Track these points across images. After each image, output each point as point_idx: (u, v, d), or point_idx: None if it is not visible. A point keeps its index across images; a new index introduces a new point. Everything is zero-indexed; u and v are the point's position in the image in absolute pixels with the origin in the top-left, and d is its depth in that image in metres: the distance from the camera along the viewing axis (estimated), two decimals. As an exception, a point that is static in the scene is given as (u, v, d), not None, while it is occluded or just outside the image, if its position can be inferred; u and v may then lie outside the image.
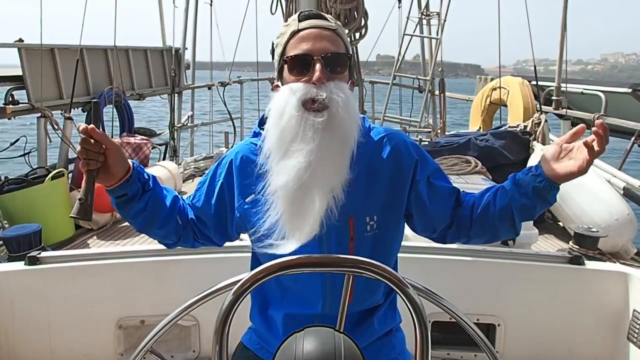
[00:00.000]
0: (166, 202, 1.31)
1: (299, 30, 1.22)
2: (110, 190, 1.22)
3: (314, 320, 1.24)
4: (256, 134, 1.34)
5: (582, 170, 1.18)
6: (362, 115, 1.33)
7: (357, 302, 1.30)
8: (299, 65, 1.20)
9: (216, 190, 1.33)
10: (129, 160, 1.22)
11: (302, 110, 1.16)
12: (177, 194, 1.37)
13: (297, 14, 1.27)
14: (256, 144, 1.30)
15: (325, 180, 1.15)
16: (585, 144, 1.16)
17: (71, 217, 1.12)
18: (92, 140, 1.14)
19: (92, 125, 1.15)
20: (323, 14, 1.26)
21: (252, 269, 1.40)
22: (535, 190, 1.23)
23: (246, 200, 1.28)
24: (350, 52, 1.27)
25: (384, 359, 1.40)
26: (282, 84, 1.25)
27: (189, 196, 1.41)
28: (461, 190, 1.38)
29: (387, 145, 1.29)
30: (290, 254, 1.14)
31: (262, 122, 1.32)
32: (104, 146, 1.16)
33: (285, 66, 1.23)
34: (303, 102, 1.16)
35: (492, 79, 7.96)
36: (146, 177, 1.27)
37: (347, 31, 2.99)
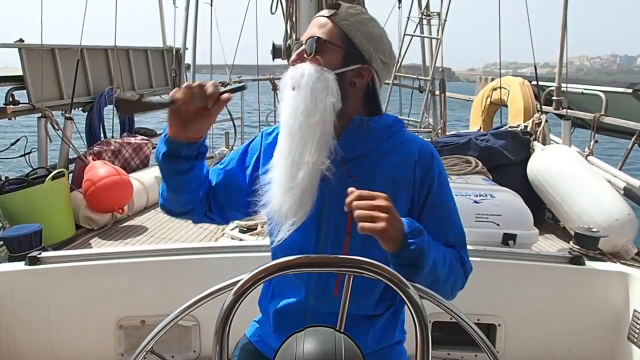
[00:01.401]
0: (202, 176, 1.31)
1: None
2: (170, 142, 1.19)
3: (299, 310, 1.28)
4: None
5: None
6: (394, 116, 1.32)
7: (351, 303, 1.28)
8: (295, 50, 1.27)
9: (252, 162, 1.34)
10: (205, 136, 1.23)
11: (283, 92, 1.22)
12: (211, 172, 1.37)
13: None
14: None
15: (306, 154, 1.16)
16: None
17: (116, 99, 1.10)
18: (207, 91, 1.13)
19: (212, 84, 1.14)
20: (341, 2, 1.27)
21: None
22: None
23: (254, 174, 1.31)
24: (338, 41, 1.22)
25: None
26: None
27: (217, 166, 1.39)
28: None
29: (406, 149, 1.27)
30: (290, 241, 1.21)
31: None
32: (206, 106, 1.15)
33: None
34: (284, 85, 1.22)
35: (492, 79, 7.97)
36: (204, 150, 1.26)
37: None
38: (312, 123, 1.16)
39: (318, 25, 1.25)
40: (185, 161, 1.21)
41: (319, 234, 1.25)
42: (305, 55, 1.23)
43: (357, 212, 1.04)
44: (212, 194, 1.34)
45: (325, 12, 1.27)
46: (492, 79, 8.13)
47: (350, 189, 1.08)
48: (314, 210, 1.22)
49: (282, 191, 1.17)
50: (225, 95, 1.14)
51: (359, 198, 1.05)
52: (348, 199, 1.06)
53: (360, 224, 1.03)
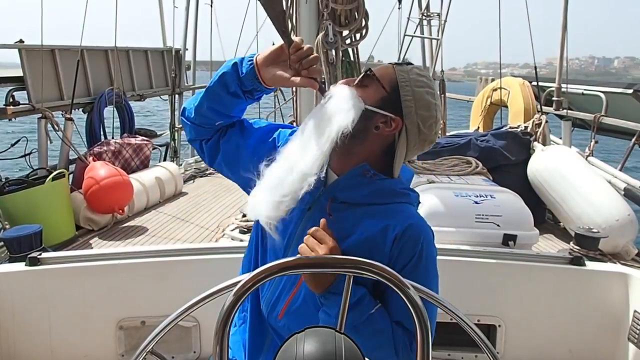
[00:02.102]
0: (234, 113, 1.33)
1: None
2: (249, 61, 1.23)
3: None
4: None
5: None
6: (407, 187, 1.29)
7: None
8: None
9: (269, 142, 1.35)
10: (267, 91, 1.29)
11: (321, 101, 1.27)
12: (239, 120, 1.39)
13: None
14: None
15: (303, 161, 1.17)
16: None
17: None
18: (312, 62, 1.19)
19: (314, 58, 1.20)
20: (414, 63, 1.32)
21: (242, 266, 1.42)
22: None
23: (261, 152, 1.30)
24: (387, 84, 1.22)
25: None
26: None
27: (252, 121, 1.43)
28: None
29: (394, 221, 1.19)
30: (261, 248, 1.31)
31: None
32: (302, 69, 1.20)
33: None
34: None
35: (492, 80, 7.97)
36: (255, 96, 1.31)
37: (347, 32, 3.00)
38: (320, 134, 1.17)
39: (381, 66, 1.27)
40: (237, 83, 1.25)
41: (285, 252, 1.26)
42: (352, 84, 1.25)
43: (300, 245, 1.15)
44: (223, 131, 1.36)
45: (394, 62, 1.29)
46: (492, 79, 8.12)
47: (322, 222, 1.15)
48: (289, 231, 1.25)
49: (266, 189, 1.19)
50: (311, 81, 1.20)
51: (313, 235, 1.14)
52: (309, 230, 1.15)
53: (296, 256, 1.13)
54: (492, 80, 8.17)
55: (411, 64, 1.27)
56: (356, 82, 1.25)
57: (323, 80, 2.72)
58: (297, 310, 1.24)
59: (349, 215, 1.22)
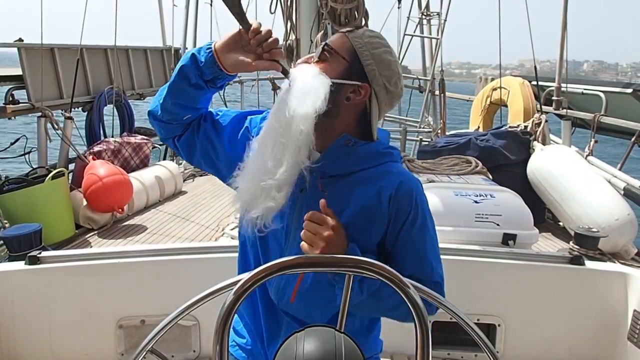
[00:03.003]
0: (199, 105, 1.32)
1: None
2: (207, 49, 1.22)
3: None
4: None
5: None
6: (388, 145, 1.30)
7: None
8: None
9: (241, 132, 1.34)
10: (229, 79, 1.27)
11: (281, 88, 1.26)
12: (208, 112, 1.37)
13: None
14: None
15: (287, 153, 1.16)
16: None
17: None
18: (273, 44, 1.17)
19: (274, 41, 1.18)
20: (363, 26, 1.31)
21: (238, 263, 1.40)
22: None
23: (235, 142, 1.31)
24: (345, 54, 1.23)
25: None
26: None
27: (218, 111, 1.41)
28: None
29: (385, 182, 1.23)
30: (261, 240, 1.27)
31: None
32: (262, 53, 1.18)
33: None
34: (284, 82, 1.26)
35: (492, 79, 7.97)
36: (217, 85, 1.29)
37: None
38: (297, 120, 1.15)
39: (334, 37, 1.27)
40: (198, 73, 1.23)
41: (287, 238, 1.26)
42: (312, 61, 1.24)
43: (302, 233, 1.14)
44: (195, 127, 1.34)
45: (344, 29, 1.28)
46: (492, 79, 8.12)
47: (322, 203, 1.14)
48: (287, 216, 1.24)
49: (256, 184, 1.17)
50: (273, 63, 1.18)
51: (311, 219, 1.14)
52: (306, 216, 1.14)
53: (301, 243, 1.14)
54: (492, 79, 8.16)
55: (360, 27, 1.28)
56: (315, 58, 1.24)
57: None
58: (308, 290, 1.25)
59: (341, 187, 1.23)
